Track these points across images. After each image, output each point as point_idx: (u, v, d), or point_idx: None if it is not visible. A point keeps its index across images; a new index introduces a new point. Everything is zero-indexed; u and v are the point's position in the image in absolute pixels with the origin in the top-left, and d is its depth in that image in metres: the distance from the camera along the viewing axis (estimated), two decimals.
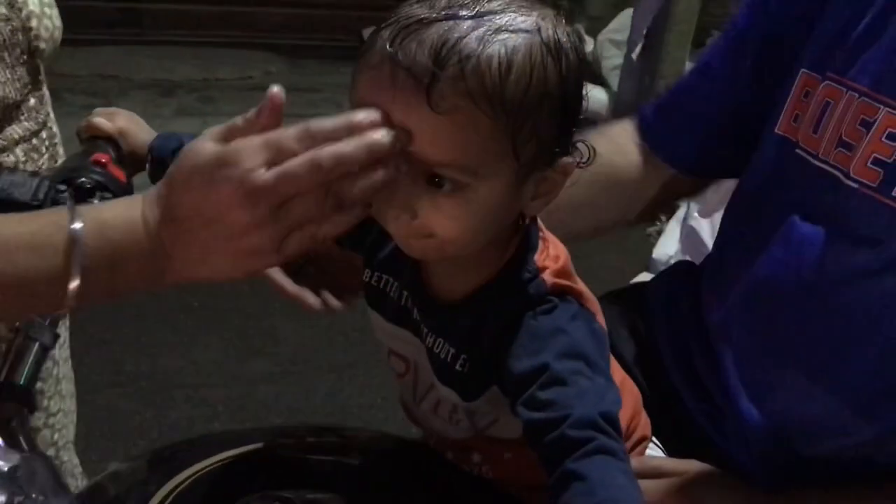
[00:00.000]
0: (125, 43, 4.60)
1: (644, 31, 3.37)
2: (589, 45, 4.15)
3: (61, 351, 1.41)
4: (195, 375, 2.60)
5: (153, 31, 4.79)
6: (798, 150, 0.98)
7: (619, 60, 3.97)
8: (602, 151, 0.83)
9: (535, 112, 0.71)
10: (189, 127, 2.47)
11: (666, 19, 3.29)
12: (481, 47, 0.69)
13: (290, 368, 2.67)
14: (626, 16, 4.13)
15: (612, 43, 4.20)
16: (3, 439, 0.65)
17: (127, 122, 0.97)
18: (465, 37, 0.69)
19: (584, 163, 0.78)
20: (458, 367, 0.84)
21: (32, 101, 1.16)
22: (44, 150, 1.22)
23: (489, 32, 0.70)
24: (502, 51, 0.69)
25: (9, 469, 0.60)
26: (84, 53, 4.38)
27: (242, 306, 2.93)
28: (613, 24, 4.29)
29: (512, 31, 0.70)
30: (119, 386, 2.47)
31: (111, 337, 2.62)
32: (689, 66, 3.68)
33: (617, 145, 1.17)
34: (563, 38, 0.73)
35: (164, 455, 0.84)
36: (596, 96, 3.74)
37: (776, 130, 1.02)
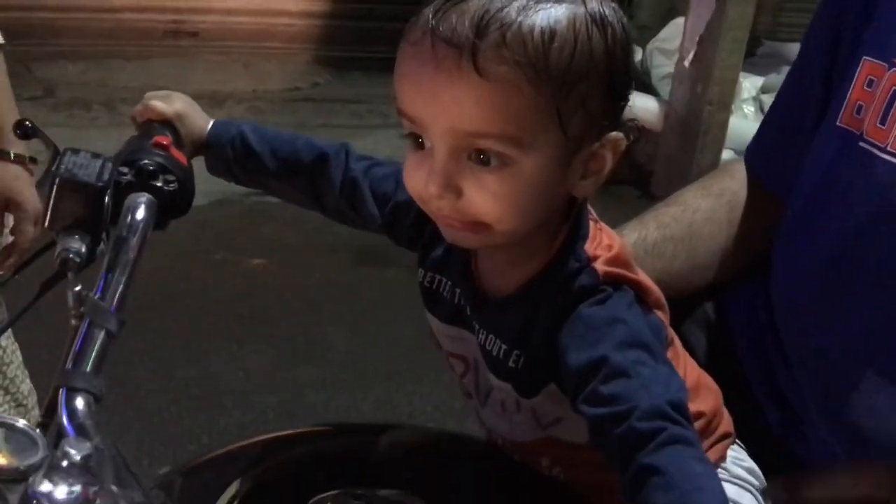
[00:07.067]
0: (175, 55, 4.65)
1: (697, 39, 3.32)
2: (638, 55, 4.11)
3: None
4: (245, 382, 2.59)
5: (203, 44, 4.84)
6: (862, 144, 0.93)
7: (668, 69, 3.93)
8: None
9: (580, 83, 0.71)
10: None
11: (720, 26, 3.24)
12: (523, 16, 0.69)
13: (339, 376, 2.65)
14: (675, 25, 4.08)
15: (662, 52, 4.16)
16: (72, 429, 0.62)
17: (184, 106, 0.95)
18: (506, 6, 0.69)
19: (632, 140, 0.77)
20: (510, 363, 0.82)
21: None
22: None
23: (531, 2, 0.70)
24: (545, 19, 0.70)
25: (81, 458, 0.57)
26: (135, 66, 4.46)
27: (292, 314, 2.92)
28: (663, 34, 4.25)
29: (555, 2, 0.71)
30: (170, 392, 2.47)
31: (162, 343, 2.62)
32: (742, 74, 3.63)
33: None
34: (608, 12, 0.73)
35: (232, 454, 0.83)
36: (646, 105, 3.69)
37: (837, 123, 0.97)
